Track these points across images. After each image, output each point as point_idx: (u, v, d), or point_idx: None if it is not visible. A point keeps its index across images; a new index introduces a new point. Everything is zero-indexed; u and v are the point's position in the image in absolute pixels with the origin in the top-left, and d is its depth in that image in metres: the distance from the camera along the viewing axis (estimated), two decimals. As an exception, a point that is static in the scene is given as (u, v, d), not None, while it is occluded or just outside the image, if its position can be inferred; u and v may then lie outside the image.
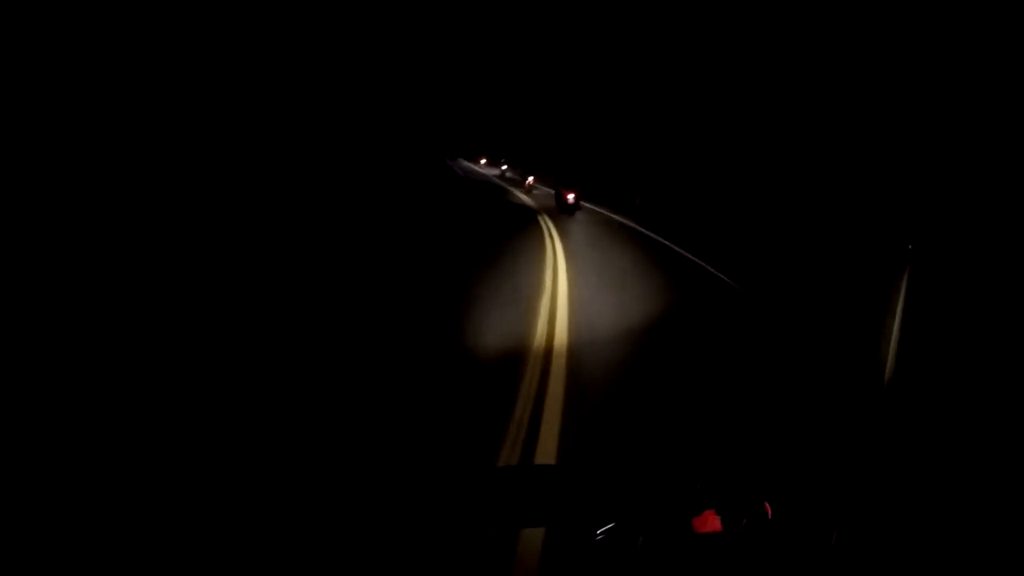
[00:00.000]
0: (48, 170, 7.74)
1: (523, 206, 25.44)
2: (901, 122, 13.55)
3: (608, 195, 30.96)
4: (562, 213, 22.26)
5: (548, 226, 17.32)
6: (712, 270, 12.03)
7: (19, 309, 4.19)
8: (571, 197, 22.76)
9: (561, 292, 8.29)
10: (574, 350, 5.70)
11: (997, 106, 11.32)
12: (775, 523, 1.08)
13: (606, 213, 24.84)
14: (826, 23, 17.20)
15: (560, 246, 13.26)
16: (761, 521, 1.08)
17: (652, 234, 18.15)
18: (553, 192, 26.69)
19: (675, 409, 4.64)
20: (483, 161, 72.45)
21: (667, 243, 16.21)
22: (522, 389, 4.65)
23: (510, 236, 14.55)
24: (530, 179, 36.14)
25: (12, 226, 5.75)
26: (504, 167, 53.36)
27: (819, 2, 17.55)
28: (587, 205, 25.96)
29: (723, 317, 8.42)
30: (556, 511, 1.11)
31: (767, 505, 1.09)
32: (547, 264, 10.63)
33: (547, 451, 3.76)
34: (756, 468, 3.27)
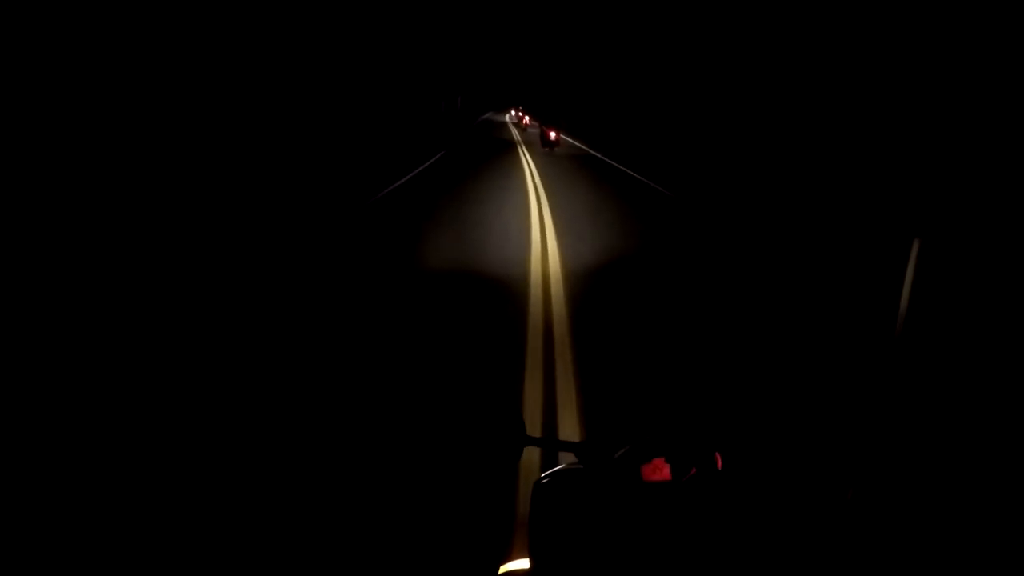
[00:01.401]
0: (48, 170, 7.79)
1: (511, 140, 30.72)
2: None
3: (595, 135, 35.43)
4: (544, 147, 27.55)
5: (524, 151, 22.69)
6: (641, 177, 17.27)
7: (19, 309, 4.17)
8: (552, 135, 27.97)
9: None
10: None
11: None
12: (725, 474, 1.09)
13: (582, 147, 29.93)
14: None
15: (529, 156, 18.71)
16: (711, 472, 1.08)
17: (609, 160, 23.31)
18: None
19: (630, 347, 4.71)
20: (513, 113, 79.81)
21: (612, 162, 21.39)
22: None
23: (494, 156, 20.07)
24: (526, 119, 41.41)
25: (12, 226, 5.73)
26: (514, 112, 59.89)
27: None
28: (568, 139, 31.05)
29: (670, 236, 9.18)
30: (511, 456, 1.12)
31: (718, 456, 1.09)
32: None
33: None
34: (709, 418, 3.39)
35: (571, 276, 6.53)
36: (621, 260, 7.45)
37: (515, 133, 36.86)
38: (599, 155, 24.54)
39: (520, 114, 51.78)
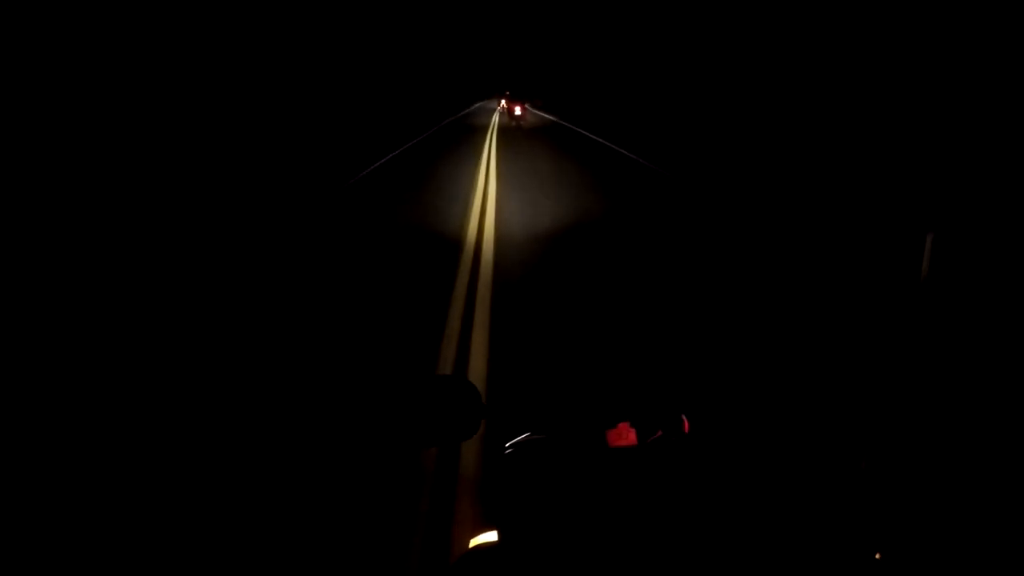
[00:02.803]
0: (48, 170, 7.75)
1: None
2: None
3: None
4: (511, 120, 28.48)
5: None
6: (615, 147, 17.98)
7: (20, 309, 4.20)
8: (517, 110, 28.79)
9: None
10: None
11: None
12: (692, 438, 1.07)
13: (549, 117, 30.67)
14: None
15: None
16: (677, 435, 1.07)
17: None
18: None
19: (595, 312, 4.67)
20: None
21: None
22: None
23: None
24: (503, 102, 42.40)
25: (13, 226, 5.72)
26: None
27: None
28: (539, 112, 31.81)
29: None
30: (471, 425, 1.09)
31: (684, 419, 1.08)
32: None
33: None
34: (675, 380, 3.31)
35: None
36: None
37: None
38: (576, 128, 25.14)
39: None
